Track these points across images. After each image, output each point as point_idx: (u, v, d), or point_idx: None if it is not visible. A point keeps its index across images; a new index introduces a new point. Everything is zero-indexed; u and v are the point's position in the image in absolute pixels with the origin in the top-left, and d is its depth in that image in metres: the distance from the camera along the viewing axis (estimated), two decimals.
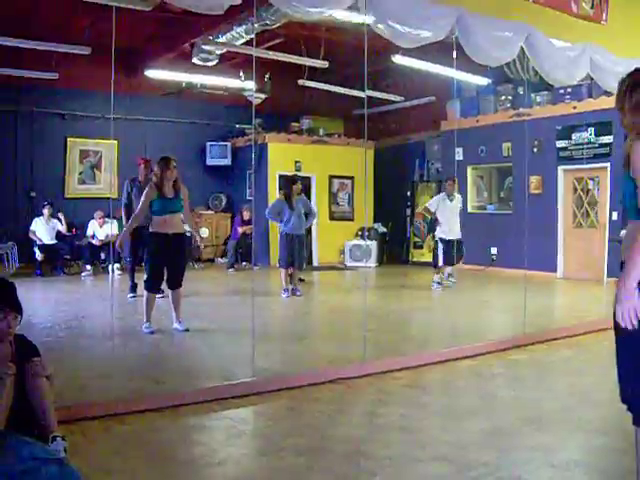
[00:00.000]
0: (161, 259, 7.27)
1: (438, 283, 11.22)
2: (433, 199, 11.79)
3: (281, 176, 10.24)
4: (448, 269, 11.46)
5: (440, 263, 11.26)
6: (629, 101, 2.89)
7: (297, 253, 10.32)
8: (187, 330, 7.32)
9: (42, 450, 1.12)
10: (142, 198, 7.26)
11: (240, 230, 14.89)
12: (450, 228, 11.20)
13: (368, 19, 6.16)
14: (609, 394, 3.00)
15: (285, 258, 10.26)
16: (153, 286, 7.33)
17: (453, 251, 10.90)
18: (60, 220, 13.46)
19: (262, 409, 4.83)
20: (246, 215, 15.03)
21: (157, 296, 7.52)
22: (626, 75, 3.01)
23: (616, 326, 2.79)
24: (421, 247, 16.33)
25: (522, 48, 7.05)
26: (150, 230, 7.32)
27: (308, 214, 10.60)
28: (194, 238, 9.35)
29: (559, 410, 4.64)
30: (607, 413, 4.35)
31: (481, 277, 10.78)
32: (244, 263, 14.98)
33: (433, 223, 11.72)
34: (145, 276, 7.39)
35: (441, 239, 11.28)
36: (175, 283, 7.39)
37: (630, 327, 2.68)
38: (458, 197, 11.59)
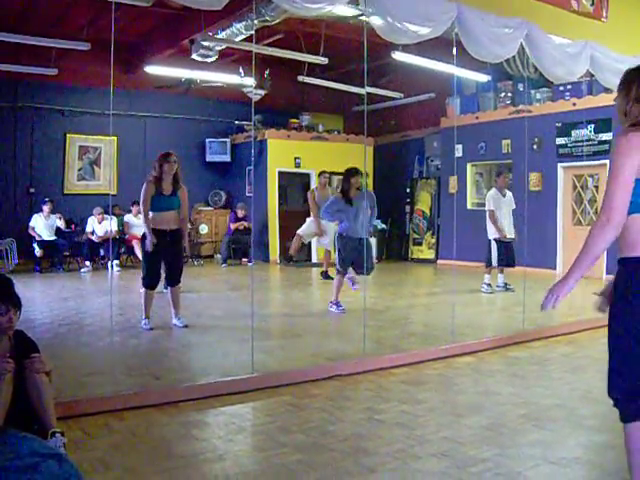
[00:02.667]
0: (158, 256, 7.26)
1: (488, 285, 10.50)
2: (489, 198, 10.44)
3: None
4: (501, 276, 10.68)
5: (494, 264, 10.43)
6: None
7: (366, 259, 8.13)
8: (186, 326, 7.33)
9: (41, 445, 1.12)
10: (142, 195, 7.25)
11: (233, 227, 14.93)
12: (507, 227, 10.37)
13: (367, 15, 6.16)
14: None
15: (343, 266, 8.57)
16: (151, 283, 7.33)
17: (510, 252, 10.30)
18: (59, 217, 13.46)
19: (261, 405, 4.83)
20: (240, 212, 15.07)
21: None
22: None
23: (609, 325, 2.83)
24: (420, 244, 16.35)
25: (522, 44, 7.06)
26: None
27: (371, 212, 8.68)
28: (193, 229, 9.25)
29: (558, 407, 4.64)
30: (606, 410, 4.34)
31: (480, 274, 10.77)
32: (243, 259, 15.02)
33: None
34: (142, 273, 7.39)
35: (496, 239, 10.32)
36: (174, 280, 7.40)
37: (546, 309, 2.95)
38: (509, 193, 10.65)
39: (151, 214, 7.22)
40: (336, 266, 8.62)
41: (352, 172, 8.54)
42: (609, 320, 2.86)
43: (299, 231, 12.10)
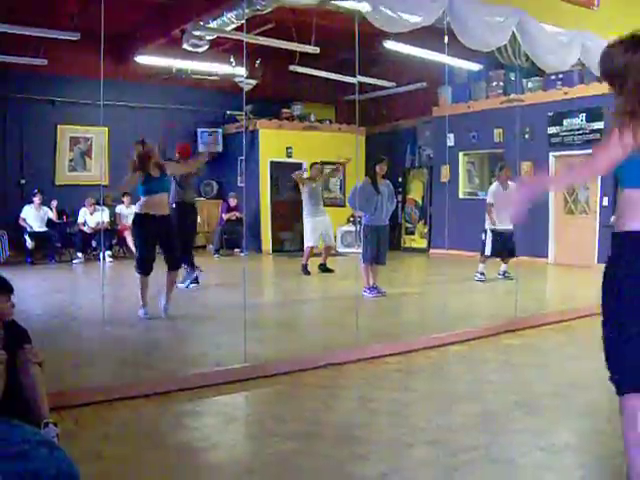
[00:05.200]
0: (149, 240, 7.25)
1: (482, 274, 10.47)
2: (491, 193, 10.61)
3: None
4: (503, 266, 10.67)
5: (487, 252, 10.45)
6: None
7: (383, 247, 9.09)
8: (166, 311, 7.32)
9: (32, 433, 1.12)
10: (129, 173, 7.27)
11: (225, 217, 14.91)
12: (505, 217, 9.89)
13: (358, 4, 6.15)
14: (599, 378, 3.01)
15: (369, 253, 8.97)
16: (143, 268, 7.28)
17: (506, 243, 10.29)
18: (51, 208, 13.40)
19: (254, 395, 4.84)
20: (232, 202, 15.06)
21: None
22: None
23: (603, 301, 2.82)
24: (412, 233, 16.37)
25: (514, 33, 7.05)
26: (136, 211, 7.33)
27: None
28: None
29: (550, 394, 4.66)
30: (597, 397, 4.38)
31: (472, 263, 10.80)
32: (236, 249, 15.00)
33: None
34: (135, 259, 7.38)
35: (493, 230, 10.36)
36: (173, 264, 7.40)
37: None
38: (512, 185, 10.44)
39: (141, 198, 7.24)
40: (362, 256, 9.07)
41: (377, 160, 9.18)
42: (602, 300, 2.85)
43: (309, 243, 11.66)
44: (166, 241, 7.33)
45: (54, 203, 13.43)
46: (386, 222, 9.12)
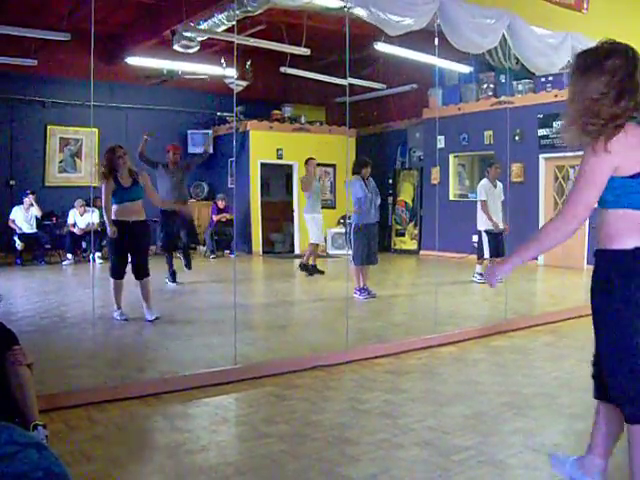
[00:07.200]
0: (123, 247, 7.22)
1: (481, 275, 10.32)
2: (480, 189, 10.53)
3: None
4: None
5: (486, 255, 10.40)
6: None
7: (374, 246, 9.15)
8: (157, 318, 7.28)
9: (21, 435, 1.11)
10: (103, 192, 7.19)
11: (215, 218, 14.89)
12: (496, 218, 10.35)
13: (350, 6, 6.15)
14: (589, 379, 3.03)
15: (361, 253, 8.97)
16: (117, 273, 7.28)
17: (500, 243, 10.24)
18: (32, 203, 13.10)
19: (244, 396, 4.83)
20: (221, 204, 15.05)
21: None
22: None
23: (593, 310, 2.84)
24: (403, 235, 16.39)
25: (504, 35, 7.07)
26: (112, 218, 7.22)
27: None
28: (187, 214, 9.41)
29: (540, 395, 4.68)
30: (587, 398, 4.36)
31: (462, 265, 10.82)
32: (226, 251, 15.00)
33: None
34: (110, 264, 7.36)
35: (487, 231, 10.37)
36: (141, 272, 7.30)
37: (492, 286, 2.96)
38: (500, 184, 10.70)
39: (114, 206, 7.17)
40: (353, 258, 9.01)
41: (363, 163, 9.21)
42: (593, 315, 2.86)
43: (313, 240, 11.64)
44: (137, 247, 7.31)
45: (31, 197, 13.10)
46: (376, 220, 9.16)
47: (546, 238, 2.81)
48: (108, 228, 7.19)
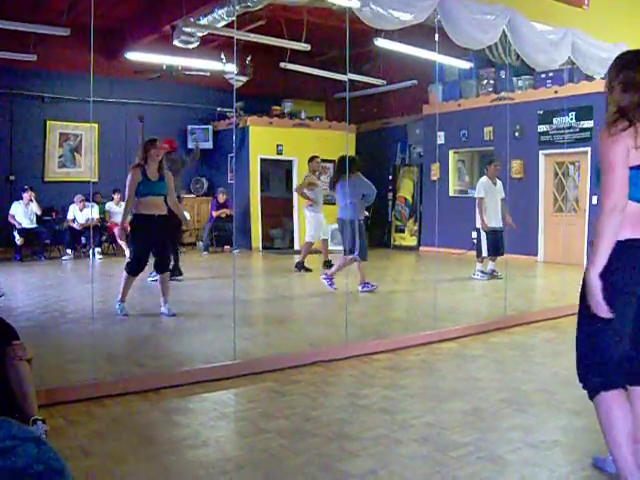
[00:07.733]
0: (146, 241, 7.24)
1: (482, 272, 10.49)
2: (480, 186, 10.52)
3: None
4: (491, 264, 10.57)
5: (484, 253, 10.44)
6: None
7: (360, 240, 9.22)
8: (174, 315, 7.29)
9: (19, 429, 1.11)
10: (128, 182, 7.20)
11: (215, 214, 14.88)
12: (495, 216, 10.34)
13: (349, 1, 6.14)
14: None
15: (366, 249, 9.30)
16: (135, 269, 7.29)
17: (499, 241, 10.29)
18: (31, 200, 13.06)
19: (244, 391, 4.84)
20: (221, 198, 15.03)
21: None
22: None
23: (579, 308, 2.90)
24: (402, 231, 16.38)
25: (504, 31, 7.06)
26: (134, 212, 7.29)
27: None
28: (184, 222, 9.12)
29: (539, 391, 4.69)
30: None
31: (462, 261, 10.82)
32: (226, 247, 14.99)
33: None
34: (128, 258, 7.36)
35: (486, 229, 10.32)
36: (163, 266, 7.39)
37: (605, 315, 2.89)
38: (500, 182, 10.56)
39: (139, 200, 7.18)
40: (358, 254, 9.07)
41: (358, 166, 9.50)
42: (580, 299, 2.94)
43: (309, 238, 11.69)
44: (161, 241, 7.33)
45: (30, 194, 13.01)
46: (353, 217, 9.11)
47: (602, 239, 2.82)
48: (122, 219, 7.30)
